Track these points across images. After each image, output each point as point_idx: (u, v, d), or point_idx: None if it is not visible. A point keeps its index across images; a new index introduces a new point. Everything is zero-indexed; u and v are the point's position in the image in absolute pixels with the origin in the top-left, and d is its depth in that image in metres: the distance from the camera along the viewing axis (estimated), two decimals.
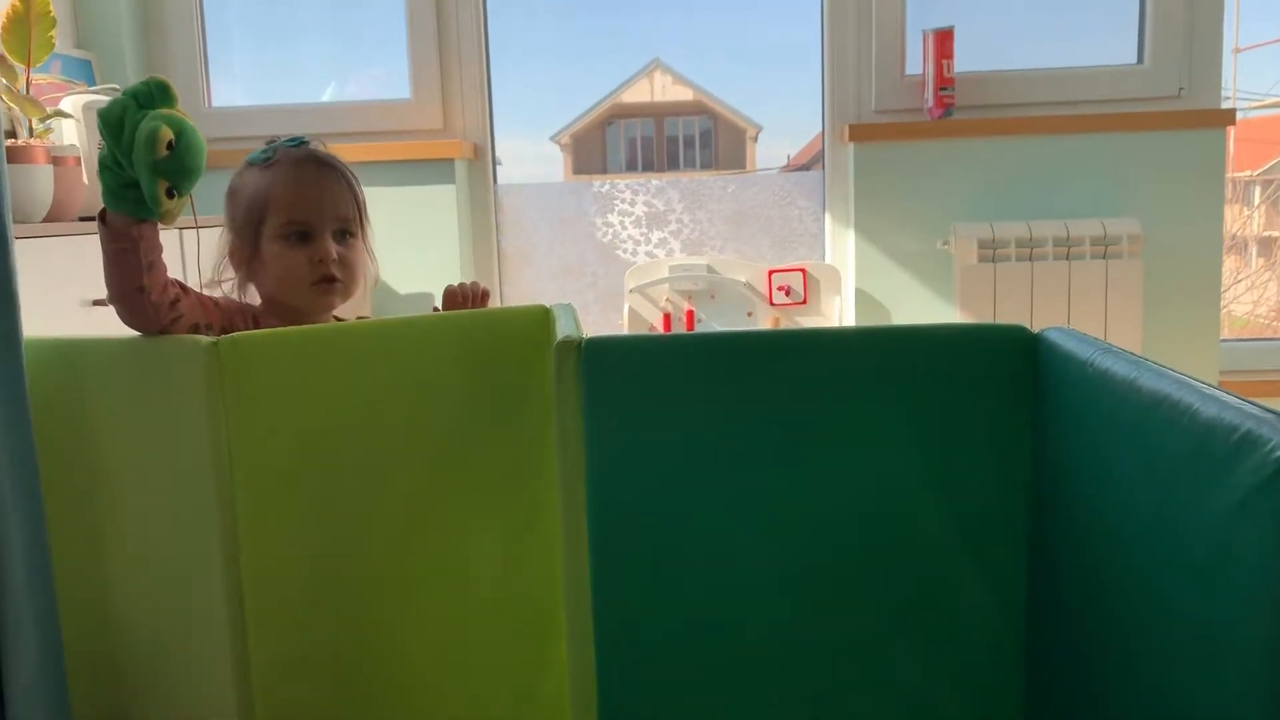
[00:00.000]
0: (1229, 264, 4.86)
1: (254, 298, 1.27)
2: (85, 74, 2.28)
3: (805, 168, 2.79)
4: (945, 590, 1.02)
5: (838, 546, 1.02)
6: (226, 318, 1.18)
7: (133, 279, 1.03)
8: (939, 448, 1.01)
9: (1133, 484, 0.80)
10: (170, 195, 0.98)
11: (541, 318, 1.15)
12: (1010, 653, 1.03)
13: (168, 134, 0.95)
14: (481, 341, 1.19)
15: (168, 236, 1.06)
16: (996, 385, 1.00)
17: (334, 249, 1.21)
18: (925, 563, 1.02)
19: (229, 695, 1.05)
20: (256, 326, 1.18)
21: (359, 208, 1.25)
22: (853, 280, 2.44)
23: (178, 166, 0.97)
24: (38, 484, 1.08)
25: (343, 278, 1.22)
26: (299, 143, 1.24)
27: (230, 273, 1.26)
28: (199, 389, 1.01)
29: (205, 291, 1.20)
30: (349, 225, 1.24)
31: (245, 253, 1.23)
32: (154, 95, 0.98)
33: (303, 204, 1.20)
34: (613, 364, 1.01)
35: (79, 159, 1.90)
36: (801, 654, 1.04)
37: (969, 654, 1.03)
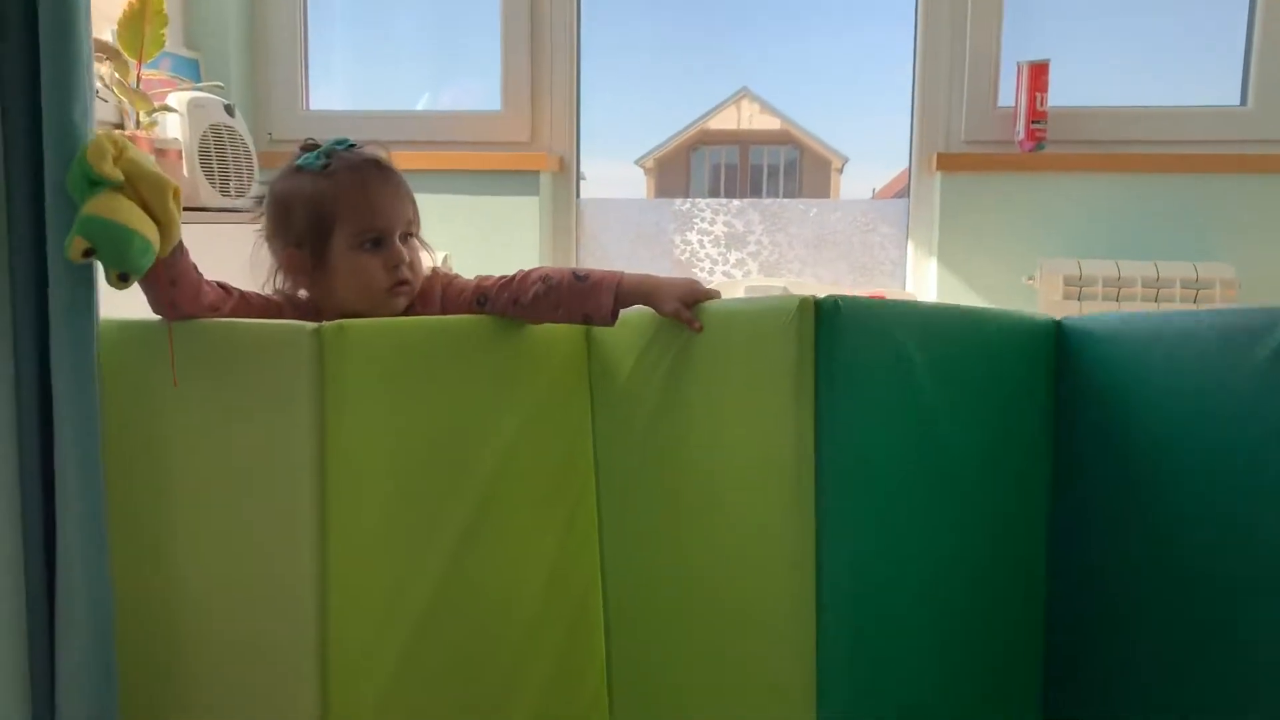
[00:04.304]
0: None
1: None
2: (192, 72, 2.37)
3: None
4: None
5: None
6: (269, 314, 1.20)
7: (161, 297, 1.11)
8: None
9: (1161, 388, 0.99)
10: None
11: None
12: None
13: None
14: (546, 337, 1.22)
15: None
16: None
17: (405, 253, 1.20)
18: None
19: (311, 689, 1.04)
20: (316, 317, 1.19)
21: (415, 207, 1.24)
22: None
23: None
24: (99, 461, 1.08)
25: (413, 280, 1.22)
26: (348, 145, 1.22)
27: (282, 281, 1.23)
28: (304, 374, 1.01)
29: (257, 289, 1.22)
30: (412, 227, 1.23)
31: (307, 262, 1.20)
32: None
33: (376, 212, 1.19)
34: (851, 325, 1.01)
35: (180, 152, 1.97)
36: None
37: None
